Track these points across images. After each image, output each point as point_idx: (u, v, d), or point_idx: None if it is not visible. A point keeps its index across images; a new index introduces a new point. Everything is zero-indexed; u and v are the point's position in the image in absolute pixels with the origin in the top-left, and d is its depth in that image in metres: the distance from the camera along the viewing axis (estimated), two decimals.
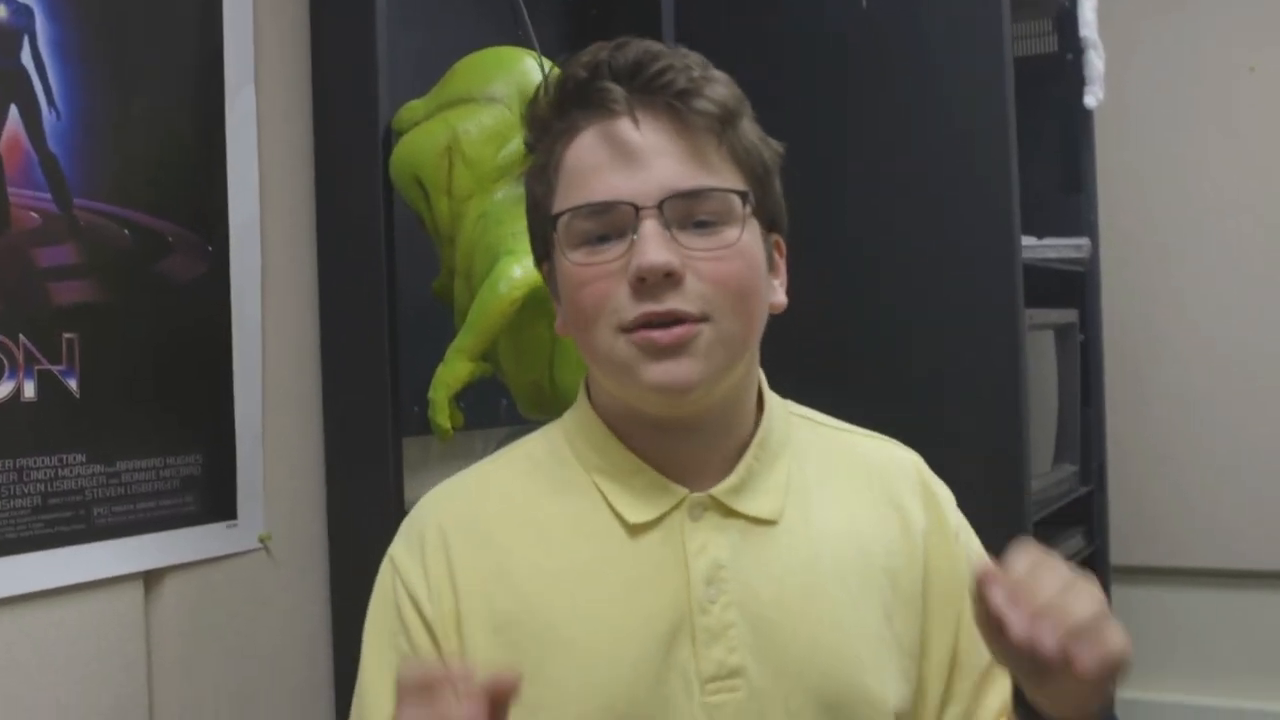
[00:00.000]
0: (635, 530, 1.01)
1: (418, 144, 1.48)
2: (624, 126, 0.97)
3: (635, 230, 0.95)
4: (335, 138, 1.58)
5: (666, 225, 0.94)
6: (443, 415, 1.42)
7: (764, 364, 1.09)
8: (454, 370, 1.41)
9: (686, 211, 0.96)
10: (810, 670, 1.00)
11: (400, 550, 1.06)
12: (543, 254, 1.05)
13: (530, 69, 1.50)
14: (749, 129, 1.01)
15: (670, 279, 0.94)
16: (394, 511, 1.53)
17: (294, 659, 1.62)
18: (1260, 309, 2.99)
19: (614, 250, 0.96)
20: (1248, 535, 2.99)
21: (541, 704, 0.97)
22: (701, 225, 0.96)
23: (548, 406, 1.54)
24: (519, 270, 1.39)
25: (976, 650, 1.05)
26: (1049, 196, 2.62)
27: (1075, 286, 2.61)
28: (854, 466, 1.11)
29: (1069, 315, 2.55)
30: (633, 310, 0.95)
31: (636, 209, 0.95)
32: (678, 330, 0.94)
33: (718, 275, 0.95)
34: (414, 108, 1.53)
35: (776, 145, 1.04)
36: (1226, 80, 3.03)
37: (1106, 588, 2.73)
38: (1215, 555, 3.03)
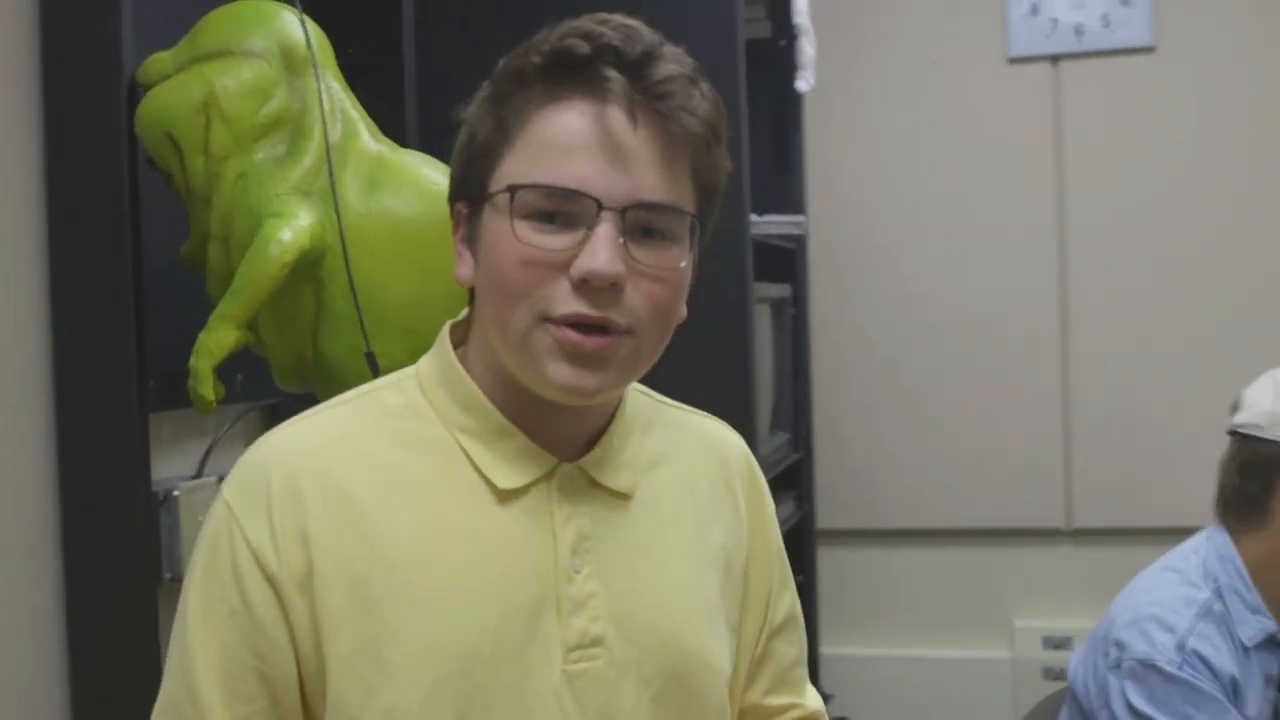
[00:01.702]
0: (504, 496, 1.00)
1: (170, 99, 1.38)
2: (615, 117, 0.94)
3: (591, 227, 0.93)
4: (70, 90, 1.44)
5: (622, 232, 0.93)
6: (206, 385, 1.34)
7: None
8: (218, 338, 1.33)
9: (642, 221, 0.95)
10: (661, 639, 1.02)
11: (238, 498, 0.99)
12: (467, 195, 1.01)
13: (290, 23, 1.43)
14: (718, 152, 1.00)
15: (613, 289, 0.93)
16: (141, 493, 1.43)
17: (18, 659, 1.48)
18: (951, 283, 3.25)
19: (561, 239, 0.93)
20: (941, 497, 3.25)
21: (398, 666, 0.94)
22: (649, 235, 0.95)
23: (309, 378, 1.47)
24: (288, 233, 1.33)
25: (767, 626, 1.15)
26: (762, 176, 2.73)
27: (787, 262, 2.74)
28: (694, 445, 1.14)
29: (783, 290, 2.67)
30: (566, 306, 0.93)
31: (600, 206, 0.93)
32: (601, 340, 0.94)
33: (654, 295, 0.96)
34: (161, 59, 1.43)
35: (729, 166, 1.04)
36: (913, 71, 3.26)
37: (813, 551, 2.89)
38: (912, 517, 3.27)
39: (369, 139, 1.44)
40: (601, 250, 0.92)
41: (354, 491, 0.98)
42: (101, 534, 1.44)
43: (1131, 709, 1.81)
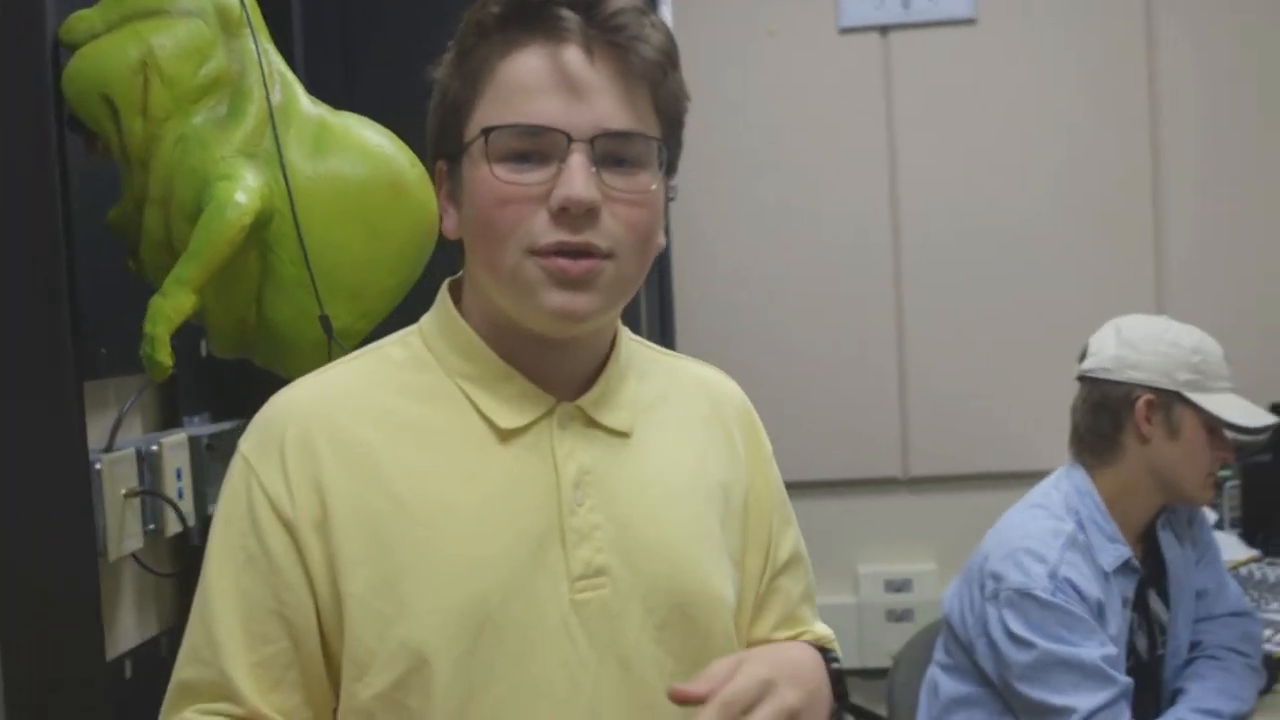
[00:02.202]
0: (506, 435, 1.04)
1: (104, 58, 1.34)
2: (573, 55, 0.99)
3: (563, 160, 0.98)
4: None
5: (593, 161, 0.98)
6: (164, 351, 1.32)
7: None
8: (176, 303, 1.30)
9: (612, 150, 1.00)
10: (664, 570, 1.08)
11: (255, 451, 1.04)
12: (446, 152, 1.05)
13: None
14: (675, 79, 1.05)
15: (590, 214, 0.98)
16: (80, 465, 1.39)
17: None
18: (790, 248, 3.38)
19: (537, 174, 0.99)
20: (785, 451, 3.35)
21: (413, 602, 0.99)
22: (619, 164, 1.00)
23: (250, 343, 1.46)
24: (243, 195, 1.32)
25: (771, 563, 1.20)
26: None
27: None
28: (689, 388, 1.19)
29: None
30: (548, 236, 0.98)
31: (569, 139, 0.98)
32: (586, 263, 0.99)
33: (630, 218, 1.01)
34: (87, 17, 1.38)
35: (688, 95, 1.09)
36: (750, 40, 3.36)
37: None
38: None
39: (308, 102, 1.43)
40: (576, 178, 0.98)
41: (365, 439, 1.03)
42: (37, 507, 1.39)
43: (1010, 634, 1.96)
